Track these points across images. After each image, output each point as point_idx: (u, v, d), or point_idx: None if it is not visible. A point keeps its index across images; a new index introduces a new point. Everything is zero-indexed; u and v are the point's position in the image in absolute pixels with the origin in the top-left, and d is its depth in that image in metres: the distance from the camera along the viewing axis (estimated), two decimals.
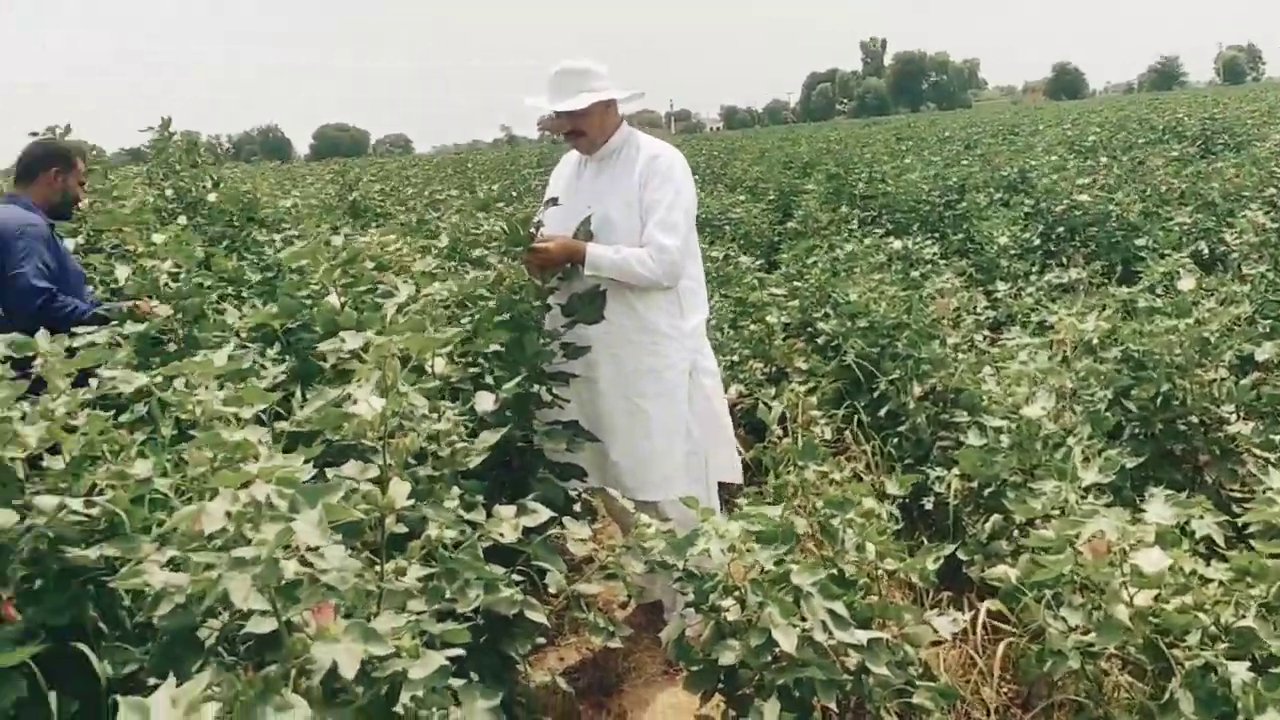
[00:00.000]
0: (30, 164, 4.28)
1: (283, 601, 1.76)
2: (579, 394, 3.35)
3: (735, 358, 5.06)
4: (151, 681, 2.55)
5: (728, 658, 2.33)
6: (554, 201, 3.37)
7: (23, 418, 2.39)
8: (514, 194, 12.88)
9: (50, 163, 4.28)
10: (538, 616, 2.56)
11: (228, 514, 1.70)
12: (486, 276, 3.33)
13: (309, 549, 1.82)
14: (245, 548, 1.68)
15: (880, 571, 2.68)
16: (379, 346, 2.06)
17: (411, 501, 2.11)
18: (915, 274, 6.09)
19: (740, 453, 3.92)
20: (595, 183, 3.51)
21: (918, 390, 4.16)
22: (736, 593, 2.44)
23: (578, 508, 3.38)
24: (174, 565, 2.18)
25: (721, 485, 3.72)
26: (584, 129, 3.45)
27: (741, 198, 11.60)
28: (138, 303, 3.61)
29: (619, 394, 3.42)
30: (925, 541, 3.00)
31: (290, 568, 1.77)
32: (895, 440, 4.16)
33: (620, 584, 2.76)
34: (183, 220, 4.64)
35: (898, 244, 6.75)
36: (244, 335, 3.97)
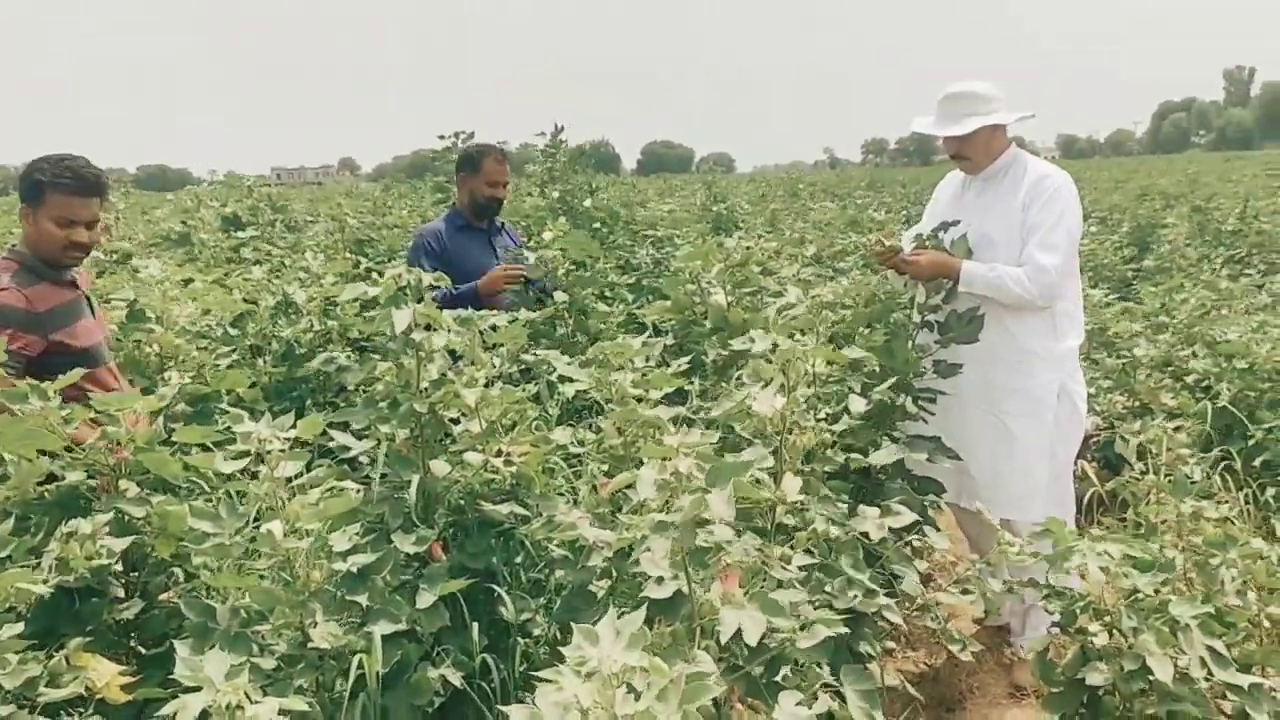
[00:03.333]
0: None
1: (691, 565, 1.95)
2: (942, 408, 3.37)
3: (1093, 389, 4.91)
4: (536, 632, 2.86)
5: (1095, 680, 2.33)
6: (946, 226, 3.41)
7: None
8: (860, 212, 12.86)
9: (459, 167, 4.79)
10: (895, 618, 2.65)
11: (655, 482, 1.90)
12: (863, 283, 3.44)
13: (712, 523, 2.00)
14: (666, 514, 1.88)
15: (1262, 618, 2.56)
16: (784, 351, 2.21)
17: (802, 496, 2.25)
18: None
19: (1095, 483, 3.82)
20: (978, 201, 3.53)
21: None
22: (1107, 617, 2.42)
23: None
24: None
25: None
26: (968, 153, 3.50)
27: (1092, 228, 11.08)
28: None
29: (984, 410, 3.43)
30: None
31: (700, 537, 1.95)
32: (1275, 490, 3.91)
33: (964, 602, 2.80)
34: (563, 221, 5.04)
35: None
36: (615, 327, 4.31)
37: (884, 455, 2.98)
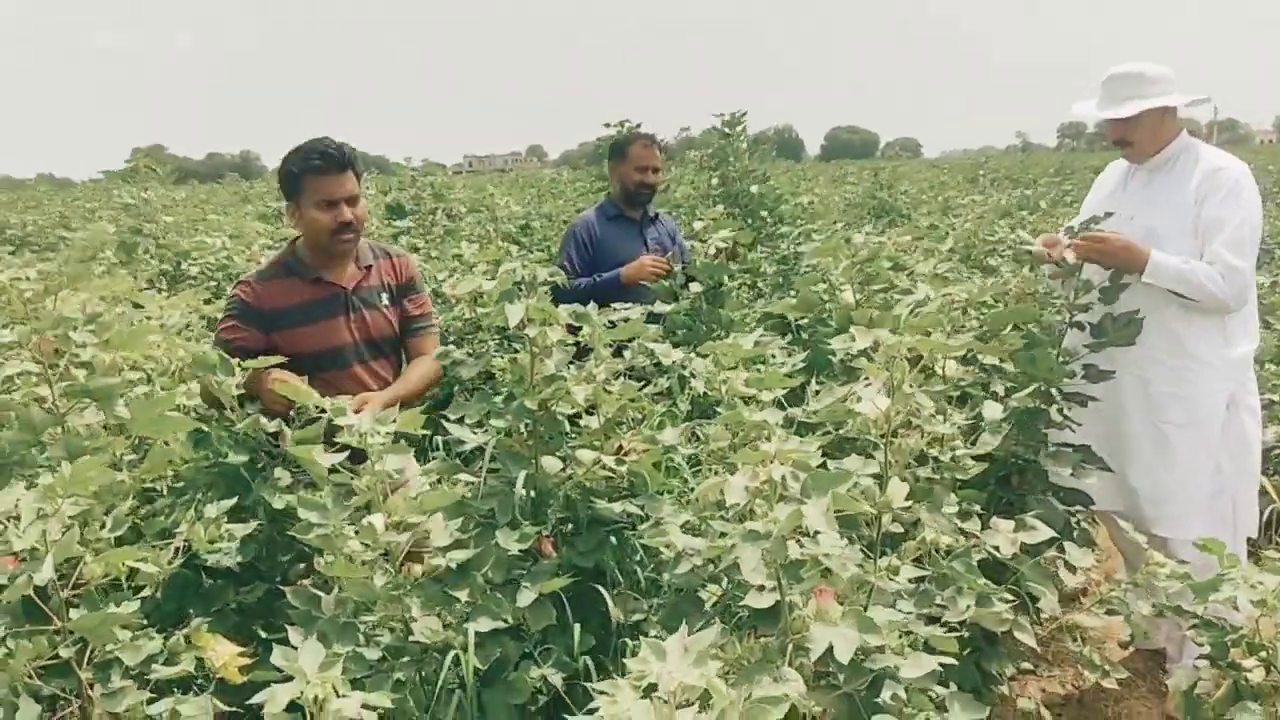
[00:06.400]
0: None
1: (786, 579, 1.86)
2: (1097, 414, 3.12)
3: (1276, 396, 4.50)
4: (652, 633, 2.80)
5: None
6: (1097, 219, 3.13)
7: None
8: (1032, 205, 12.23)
9: (609, 156, 4.85)
10: (1027, 638, 2.47)
11: (746, 489, 1.82)
12: (1000, 282, 3.22)
13: (809, 533, 1.90)
14: (758, 522, 1.79)
15: None
16: (888, 347, 2.09)
17: (909, 502, 2.12)
18: None
19: (1275, 499, 3.51)
20: (1143, 193, 3.28)
21: None
22: (1263, 653, 2.19)
23: (1076, 535, 3.20)
24: (690, 529, 2.38)
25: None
26: (1132, 138, 3.24)
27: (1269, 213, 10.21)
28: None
29: (1144, 418, 3.18)
30: None
31: (794, 548, 1.85)
32: None
33: (1117, 622, 2.59)
34: (719, 208, 4.95)
35: None
36: (755, 320, 4.21)
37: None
